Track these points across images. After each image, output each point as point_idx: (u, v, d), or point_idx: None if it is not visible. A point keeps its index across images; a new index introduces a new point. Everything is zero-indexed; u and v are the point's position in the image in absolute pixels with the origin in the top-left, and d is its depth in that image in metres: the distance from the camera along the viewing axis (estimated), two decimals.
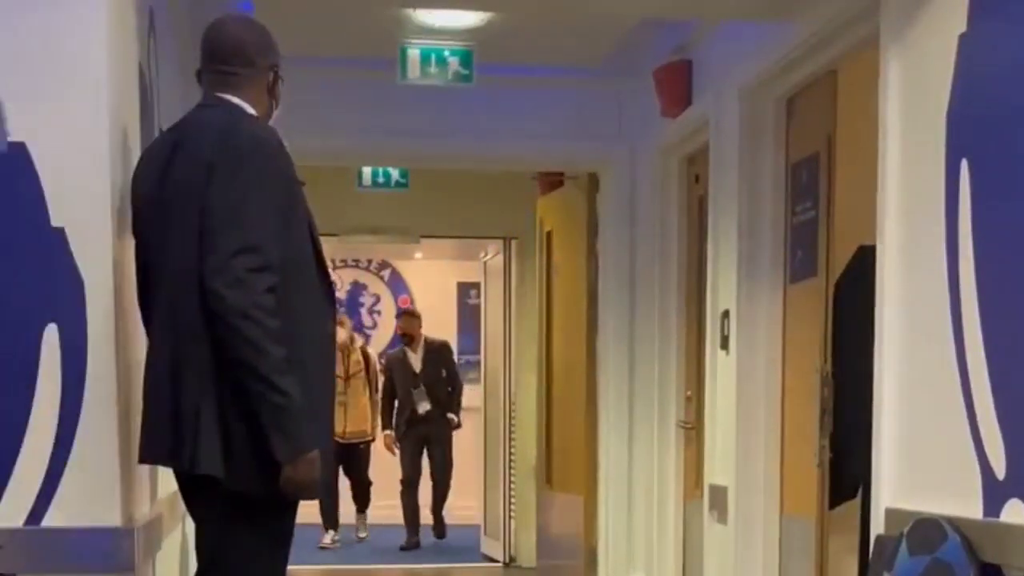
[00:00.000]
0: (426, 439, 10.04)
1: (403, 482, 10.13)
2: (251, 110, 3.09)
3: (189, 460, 2.93)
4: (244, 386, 2.86)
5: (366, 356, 10.28)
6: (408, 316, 10.33)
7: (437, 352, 10.08)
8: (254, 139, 2.96)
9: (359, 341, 10.55)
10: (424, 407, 9.83)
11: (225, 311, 2.83)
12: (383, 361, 10.70)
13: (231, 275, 2.83)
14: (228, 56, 3.11)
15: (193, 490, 3.09)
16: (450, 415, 10.03)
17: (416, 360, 9.96)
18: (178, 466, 3.01)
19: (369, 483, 10.30)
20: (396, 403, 10.06)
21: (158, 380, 3.00)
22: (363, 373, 10.10)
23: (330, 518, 9.95)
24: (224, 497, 2.96)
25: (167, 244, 2.98)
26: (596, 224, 6.85)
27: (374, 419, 10.17)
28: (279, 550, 3.11)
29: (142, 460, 3.12)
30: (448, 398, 10.03)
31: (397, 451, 10.11)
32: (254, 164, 2.91)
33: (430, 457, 10.12)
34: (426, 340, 10.06)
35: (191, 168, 2.94)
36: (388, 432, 10.05)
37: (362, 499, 10.35)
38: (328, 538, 9.94)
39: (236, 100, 3.09)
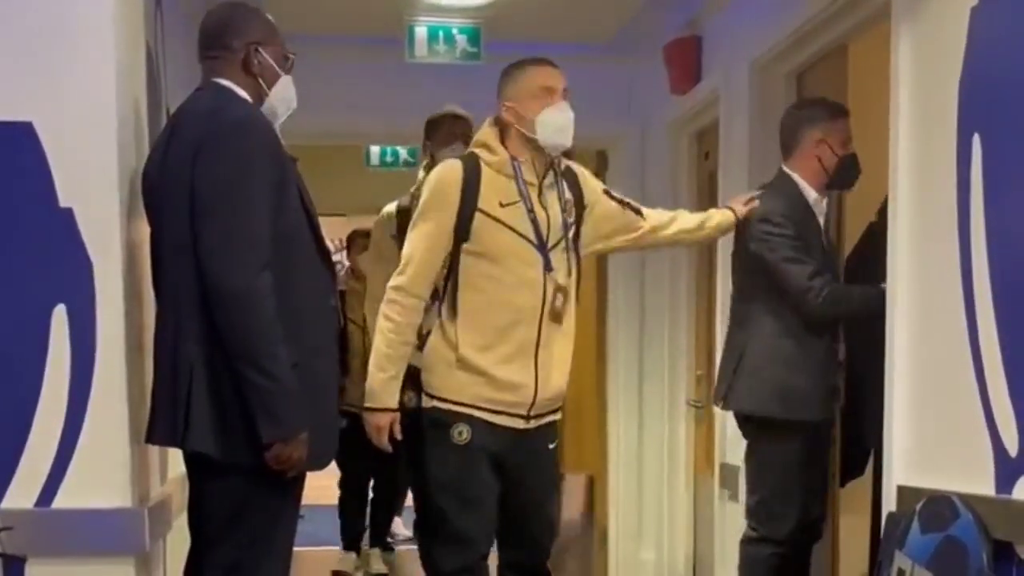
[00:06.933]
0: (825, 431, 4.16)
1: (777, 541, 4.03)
2: (241, 92, 3.13)
3: (182, 437, 2.98)
4: (235, 365, 2.90)
5: None
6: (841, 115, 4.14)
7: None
8: (237, 119, 3.01)
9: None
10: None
11: (222, 292, 2.89)
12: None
13: (226, 254, 2.88)
14: (213, 41, 3.19)
15: (194, 468, 3.13)
16: None
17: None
18: (174, 444, 3.05)
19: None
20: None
21: (162, 360, 3.05)
22: None
23: (350, 534, 7.15)
24: (221, 476, 3.01)
25: (164, 224, 3.04)
26: None
27: None
28: (280, 530, 3.13)
29: (148, 440, 3.15)
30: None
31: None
32: (239, 143, 2.96)
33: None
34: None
35: (181, 149, 2.99)
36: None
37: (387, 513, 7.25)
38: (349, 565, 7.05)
39: (225, 83, 3.14)
